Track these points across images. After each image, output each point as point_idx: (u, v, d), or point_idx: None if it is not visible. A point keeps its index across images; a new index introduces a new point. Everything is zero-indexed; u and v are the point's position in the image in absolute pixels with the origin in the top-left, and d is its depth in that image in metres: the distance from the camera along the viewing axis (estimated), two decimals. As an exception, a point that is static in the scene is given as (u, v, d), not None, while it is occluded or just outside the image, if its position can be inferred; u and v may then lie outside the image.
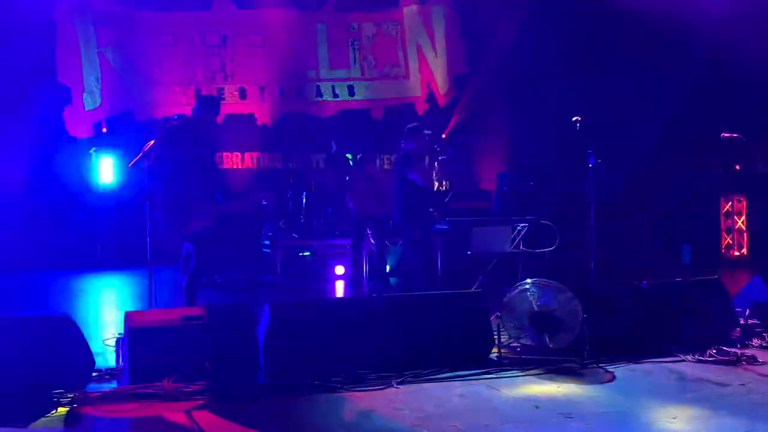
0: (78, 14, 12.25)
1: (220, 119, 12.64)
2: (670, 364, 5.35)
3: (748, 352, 5.53)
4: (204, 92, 12.48)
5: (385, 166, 13.47)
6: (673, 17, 11.51)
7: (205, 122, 6.23)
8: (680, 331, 5.71)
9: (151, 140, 5.75)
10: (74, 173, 11.81)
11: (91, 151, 11.93)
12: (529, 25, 12.70)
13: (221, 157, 12.41)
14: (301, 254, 10.72)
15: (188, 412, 4.30)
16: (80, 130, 12.19)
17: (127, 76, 12.45)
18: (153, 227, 5.77)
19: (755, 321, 6.18)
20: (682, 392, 4.73)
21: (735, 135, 7.09)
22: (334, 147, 12.58)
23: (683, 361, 5.40)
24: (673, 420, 4.18)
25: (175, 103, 12.35)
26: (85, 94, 12.27)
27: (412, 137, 7.88)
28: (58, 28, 12.15)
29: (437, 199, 10.56)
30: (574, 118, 8.29)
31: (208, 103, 6.39)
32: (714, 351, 5.46)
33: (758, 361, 5.34)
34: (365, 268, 10.59)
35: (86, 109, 12.27)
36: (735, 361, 5.34)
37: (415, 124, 8.18)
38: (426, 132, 7.91)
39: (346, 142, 12.32)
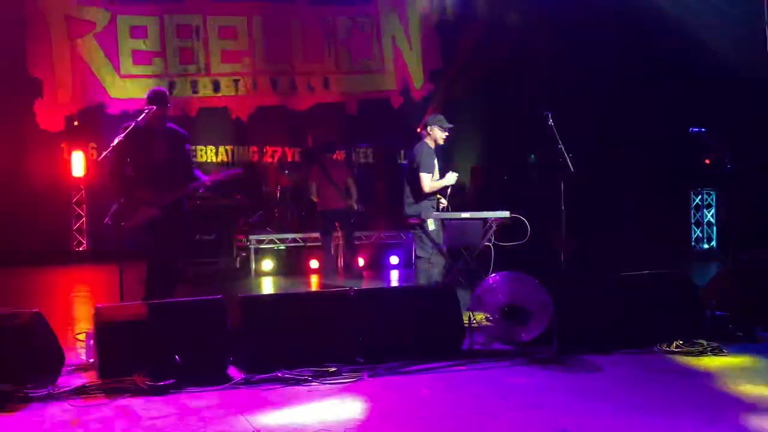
0: (49, 5, 12.11)
1: (193, 112, 12.69)
2: (639, 355, 5.44)
3: (715, 343, 5.63)
4: (177, 85, 12.39)
5: (362, 160, 13.47)
6: (643, 13, 11.63)
7: (161, 127, 6.17)
8: (648, 322, 5.79)
9: (119, 136, 5.75)
10: (45, 167, 11.70)
11: (62, 145, 11.82)
12: (504, 18, 12.76)
13: (194, 151, 12.34)
14: (275, 248, 10.73)
15: (159, 407, 4.30)
16: (52, 124, 12.06)
17: (98, 68, 12.33)
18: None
19: (722, 313, 6.28)
20: (649, 383, 4.81)
21: (702, 129, 7.21)
22: (310, 140, 12.57)
23: (651, 352, 5.49)
24: (639, 409, 4.25)
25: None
26: (56, 87, 12.13)
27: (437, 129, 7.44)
28: (28, 19, 12.00)
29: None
30: (545, 113, 8.34)
31: (153, 99, 6.20)
32: (681, 342, 5.56)
33: (723, 352, 5.44)
34: (341, 261, 10.63)
35: (58, 102, 12.14)
36: (701, 352, 5.44)
37: (439, 114, 7.76)
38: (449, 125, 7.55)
39: (322, 135, 12.31)
